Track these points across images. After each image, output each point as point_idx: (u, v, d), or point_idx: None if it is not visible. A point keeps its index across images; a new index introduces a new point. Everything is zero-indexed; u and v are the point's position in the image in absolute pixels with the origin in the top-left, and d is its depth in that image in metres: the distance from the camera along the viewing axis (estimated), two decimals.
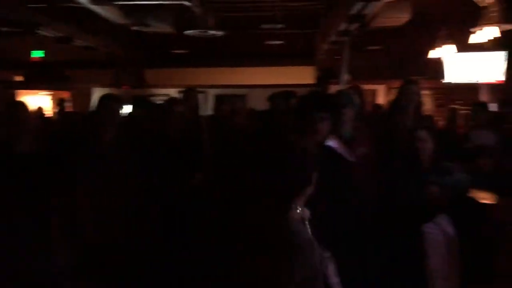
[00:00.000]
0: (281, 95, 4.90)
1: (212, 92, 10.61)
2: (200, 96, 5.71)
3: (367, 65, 10.92)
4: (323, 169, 2.58)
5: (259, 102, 7.21)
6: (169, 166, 3.67)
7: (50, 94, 11.45)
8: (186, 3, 7.02)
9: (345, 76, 9.14)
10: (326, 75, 9.43)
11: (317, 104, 2.65)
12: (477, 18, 7.35)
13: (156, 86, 11.24)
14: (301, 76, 11.42)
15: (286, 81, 10.55)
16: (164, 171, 3.62)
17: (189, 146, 4.03)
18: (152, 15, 8.09)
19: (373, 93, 11.10)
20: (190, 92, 4.71)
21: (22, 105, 3.35)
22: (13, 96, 9.49)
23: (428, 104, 9.25)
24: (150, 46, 10.73)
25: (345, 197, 2.76)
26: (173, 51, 11.08)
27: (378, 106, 6.02)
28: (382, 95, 10.52)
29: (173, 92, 6.14)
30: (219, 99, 6.42)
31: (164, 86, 10.90)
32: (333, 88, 7.69)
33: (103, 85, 10.26)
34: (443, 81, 9.26)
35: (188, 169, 3.91)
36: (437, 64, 9.18)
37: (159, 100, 9.44)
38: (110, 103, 3.41)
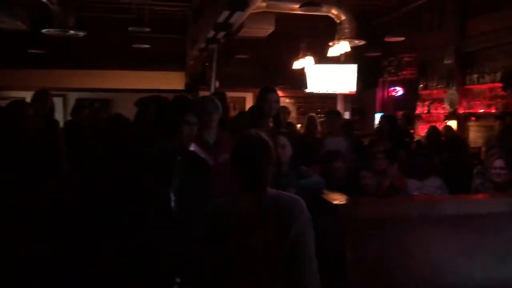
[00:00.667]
0: (150, 100, 4.74)
1: (74, 96, 9.96)
2: (58, 100, 5.29)
3: (236, 73, 11.20)
4: (186, 174, 2.53)
5: (126, 107, 6.94)
6: (17, 176, 3.31)
7: None
8: None
9: (214, 83, 9.26)
10: (196, 81, 9.44)
11: (182, 108, 2.59)
12: (334, 33, 8.01)
13: (9, 88, 10.17)
14: (171, 81, 11.29)
15: (155, 86, 10.34)
16: (10, 182, 3.25)
17: (40, 155, 3.68)
18: (2, 10, 7.35)
19: (243, 100, 11.43)
20: (42, 95, 4.31)
21: None
22: None
23: (291, 111, 9.76)
24: (2, 45, 9.72)
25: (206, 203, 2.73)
26: (29, 50, 10.17)
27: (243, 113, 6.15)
28: (250, 102, 10.84)
29: (29, 96, 5.61)
30: (79, 103, 6.02)
31: (18, 88, 9.91)
32: (203, 95, 7.71)
33: None
34: (305, 91, 9.88)
35: (39, 180, 3.57)
36: (300, 74, 9.77)
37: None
38: None
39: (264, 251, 2.01)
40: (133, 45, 9.97)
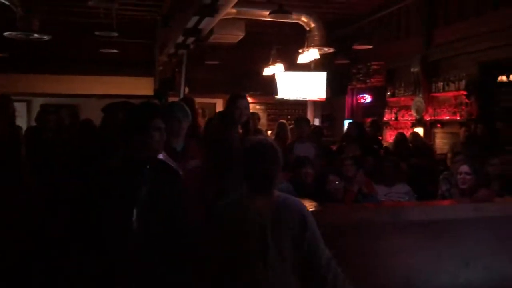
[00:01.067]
0: (118, 106, 4.62)
1: (39, 101, 9.70)
2: (22, 105, 5.11)
3: (206, 79, 11.15)
4: (156, 184, 2.44)
5: (94, 114, 6.78)
6: None
7: None
8: (5, 2, 6.30)
9: (184, 89, 9.18)
10: (165, 87, 9.33)
11: (151, 113, 2.51)
12: (303, 40, 8.06)
13: None
14: (140, 87, 11.14)
15: (124, 92, 10.17)
16: None
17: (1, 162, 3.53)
18: None
19: (213, 106, 11.38)
20: (3, 100, 4.14)
21: None
22: None
23: (261, 118, 9.77)
24: None
25: (177, 212, 2.64)
26: None
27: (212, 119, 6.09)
28: (220, 108, 10.81)
29: None
30: (45, 108, 5.81)
31: None
32: (172, 101, 7.63)
33: None
34: (275, 97, 9.90)
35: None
36: (271, 81, 9.79)
37: None
38: None
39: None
40: (100, 50, 9.79)
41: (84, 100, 10.33)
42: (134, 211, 2.34)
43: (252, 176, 2.16)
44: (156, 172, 2.46)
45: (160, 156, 2.80)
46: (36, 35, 6.57)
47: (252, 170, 2.16)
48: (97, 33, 8.21)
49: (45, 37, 6.79)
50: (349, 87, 10.63)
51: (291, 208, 2.16)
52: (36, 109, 8.60)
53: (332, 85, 9.63)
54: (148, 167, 2.45)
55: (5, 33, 6.59)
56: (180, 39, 7.26)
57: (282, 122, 6.37)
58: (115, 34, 8.05)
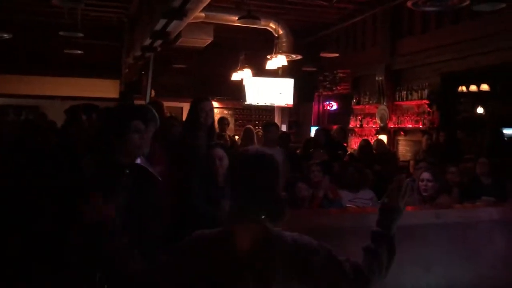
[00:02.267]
0: (82, 108, 4.51)
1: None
2: None
3: (173, 83, 11.05)
4: (135, 189, 2.35)
5: (56, 115, 6.60)
6: None
7: None
8: None
9: (150, 92, 9.05)
10: (130, 90, 9.18)
11: (130, 115, 2.41)
12: (272, 46, 8.12)
13: None
14: (105, 89, 10.92)
15: (88, 94, 9.95)
16: None
17: None
18: None
19: (180, 110, 11.26)
20: None
21: None
22: None
23: (230, 122, 9.74)
24: None
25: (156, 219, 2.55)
26: None
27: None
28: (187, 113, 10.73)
29: None
30: (2, 110, 5.63)
31: None
32: (138, 104, 7.51)
33: None
34: (243, 103, 9.91)
35: None
36: (239, 86, 9.79)
37: None
38: None
39: None
40: (65, 51, 9.55)
41: (46, 101, 10.04)
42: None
43: (240, 198, 1.60)
44: (135, 178, 2.37)
45: (138, 160, 2.73)
46: None
47: (242, 190, 1.60)
48: (61, 33, 8.01)
49: (6, 36, 6.58)
50: (316, 94, 10.76)
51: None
52: None
53: (299, 92, 9.73)
54: (127, 171, 2.36)
55: None
56: (147, 41, 7.17)
57: (249, 127, 6.38)
58: (80, 35, 7.88)
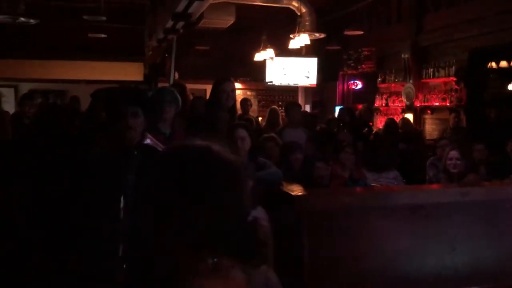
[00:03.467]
0: (106, 92, 4.58)
1: (27, 86, 9.58)
2: (9, 90, 5.02)
3: (196, 64, 11.06)
4: (143, 169, 2.41)
5: (82, 99, 6.72)
6: None
7: None
8: None
9: (174, 74, 9.10)
10: (154, 73, 9.25)
11: (128, 99, 2.47)
12: (295, 25, 8.01)
13: None
14: (129, 72, 11.03)
15: (113, 77, 10.08)
16: None
17: None
18: None
19: (203, 92, 11.29)
20: None
21: None
22: None
23: (253, 104, 9.73)
24: None
25: None
26: None
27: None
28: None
29: None
30: (29, 93, 5.71)
31: None
32: (162, 86, 7.58)
33: None
34: (266, 83, 9.86)
35: None
36: (261, 67, 9.74)
37: None
38: None
39: None
40: (89, 35, 9.66)
41: (73, 85, 10.21)
42: (122, 199, 2.32)
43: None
44: (143, 158, 2.42)
45: (147, 141, 2.78)
46: (22, 19, 6.45)
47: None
48: (85, 17, 8.09)
49: (32, 21, 6.67)
50: (340, 73, 10.61)
51: None
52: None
53: (323, 71, 9.62)
54: (135, 153, 2.41)
55: None
56: (169, 23, 7.17)
57: (274, 108, 6.35)
58: (103, 18, 7.93)
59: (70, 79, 10.38)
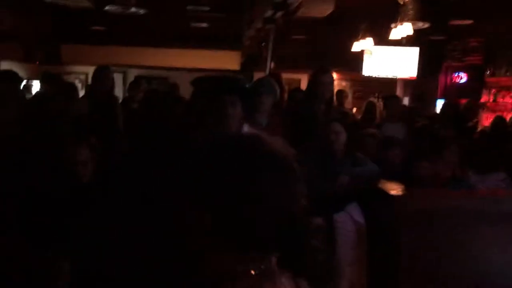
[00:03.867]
0: (206, 80, 4.75)
1: (134, 72, 10.24)
2: (118, 76, 5.37)
3: (292, 54, 11.04)
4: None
5: (183, 86, 7.04)
6: None
7: None
8: None
9: (270, 64, 9.18)
10: (251, 62, 9.40)
11: (228, 88, 2.54)
12: (396, 14, 7.67)
13: (73, 63, 10.60)
14: (227, 61, 11.31)
15: (212, 66, 10.40)
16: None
17: (102, 128, 3.76)
18: None
19: (298, 82, 11.28)
20: (104, 70, 4.38)
21: None
22: None
23: (348, 95, 9.54)
24: (67, 21, 10.07)
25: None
26: (91, 27, 10.49)
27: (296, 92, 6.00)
28: (305, 84, 10.71)
29: (91, 71, 5.82)
30: (137, 79, 6.08)
31: (81, 63, 10.31)
32: (258, 75, 7.69)
33: (13, 59, 9.50)
34: (363, 74, 9.60)
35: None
36: (358, 57, 9.48)
37: (74, 78, 8.92)
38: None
39: None
40: (191, 24, 10.04)
41: (174, 72, 10.72)
42: None
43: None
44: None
45: (245, 129, 2.83)
46: (133, 9, 6.89)
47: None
48: (188, 7, 8.41)
49: (141, 11, 7.09)
50: (444, 65, 10.01)
51: None
52: (130, 80, 9.12)
53: (424, 63, 9.13)
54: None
55: (106, 7, 6.97)
56: (269, 13, 7.23)
57: (371, 101, 6.17)
58: (207, 8, 8.20)
59: (171, 66, 10.89)
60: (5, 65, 8.96)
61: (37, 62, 10.14)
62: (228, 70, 9.88)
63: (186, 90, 5.88)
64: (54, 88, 4.00)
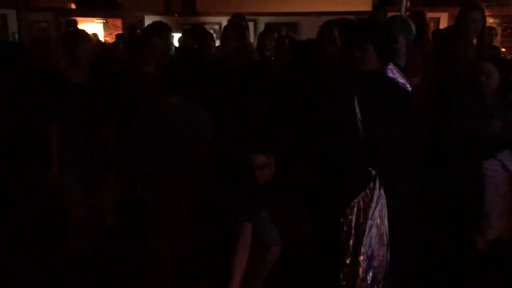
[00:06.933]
0: (334, 24, 4.62)
1: (263, 20, 10.35)
2: (250, 24, 5.43)
3: None
4: (380, 101, 2.43)
5: (311, 31, 6.93)
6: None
7: (102, 22, 11.55)
8: None
9: (406, 2, 8.60)
10: (384, 2, 8.88)
11: (363, 32, 2.47)
12: None
13: (208, 14, 11.05)
14: (356, 2, 10.81)
15: (341, 8, 10.03)
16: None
17: (247, 78, 3.88)
18: None
19: (436, 21, 10.41)
20: (238, 18, 4.47)
21: (83, 35, 3.39)
22: (74, 25, 9.54)
23: (497, 33, 8.56)
24: None
25: (407, 131, 2.60)
26: None
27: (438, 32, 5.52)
28: (445, 23, 9.85)
29: (225, 21, 5.99)
30: (267, 28, 6.05)
31: (215, 14, 10.70)
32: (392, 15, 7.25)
33: (155, 13, 10.21)
34: None
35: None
36: None
37: (209, 29, 9.31)
38: (152, 38, 3.43)
39: None
40: None
41: (303, 18, 10.60)
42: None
43: None
44: (376, 88, 2.47)
45: (389, 72, 2.76)
46: None
47: None
48: None
49: None
50: None
51: None
52: (260, 27, 9.24)
53: None
54: (366, 82, 2.48)
55: None
56: None
57: None
58: None
59: (301, 11, 10.76)
60: (148, 19, 9.69)
61: (176, 15, 10.76)
62: (360, 12, 9.44)
63: (313, 34, 5.78)
64: (197, 39, 4.21)
